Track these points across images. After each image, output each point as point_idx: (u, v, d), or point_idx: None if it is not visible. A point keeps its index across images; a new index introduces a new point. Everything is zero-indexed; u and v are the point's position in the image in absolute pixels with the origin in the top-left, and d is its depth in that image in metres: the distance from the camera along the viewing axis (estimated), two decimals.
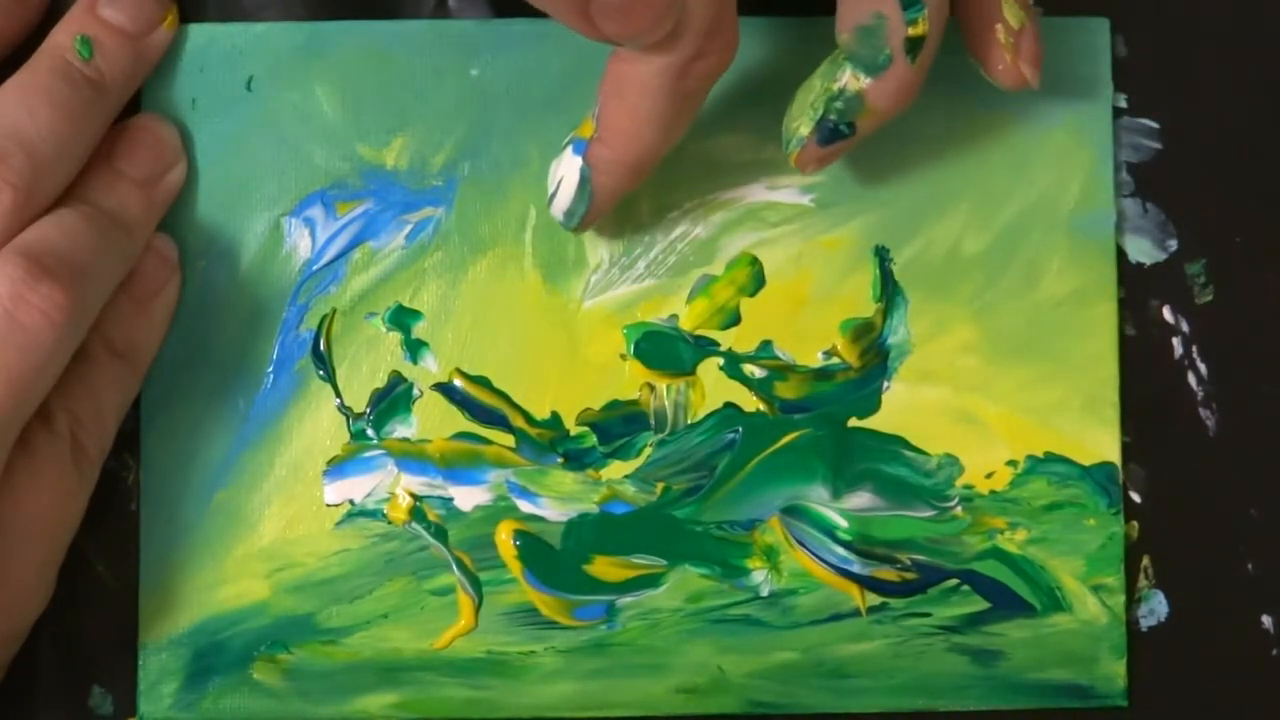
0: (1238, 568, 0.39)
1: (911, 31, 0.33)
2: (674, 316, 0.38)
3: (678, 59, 0.32)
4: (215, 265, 0.38)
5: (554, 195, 0.36)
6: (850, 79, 0.34)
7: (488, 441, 0.38)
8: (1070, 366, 0.38)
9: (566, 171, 0.35)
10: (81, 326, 0.34)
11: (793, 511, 0.38)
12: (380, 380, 0.38)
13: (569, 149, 0.35)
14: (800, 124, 0.35)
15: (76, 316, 0.33)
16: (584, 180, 0.35)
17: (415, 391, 0.38)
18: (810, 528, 0.38)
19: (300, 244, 0.38)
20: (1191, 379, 0.39)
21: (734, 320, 0.38)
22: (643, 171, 0.35)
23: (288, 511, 0.38)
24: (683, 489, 0.38)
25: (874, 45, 0.33)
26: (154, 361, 0.37)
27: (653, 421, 0.38)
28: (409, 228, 0.38)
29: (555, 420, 0.38)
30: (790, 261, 0.38)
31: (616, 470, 0.38)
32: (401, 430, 0.38)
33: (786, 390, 0.38)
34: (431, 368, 0.38)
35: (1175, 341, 0.39)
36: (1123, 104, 0.39)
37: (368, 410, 0.38)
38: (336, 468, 0.38)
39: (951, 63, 0.36)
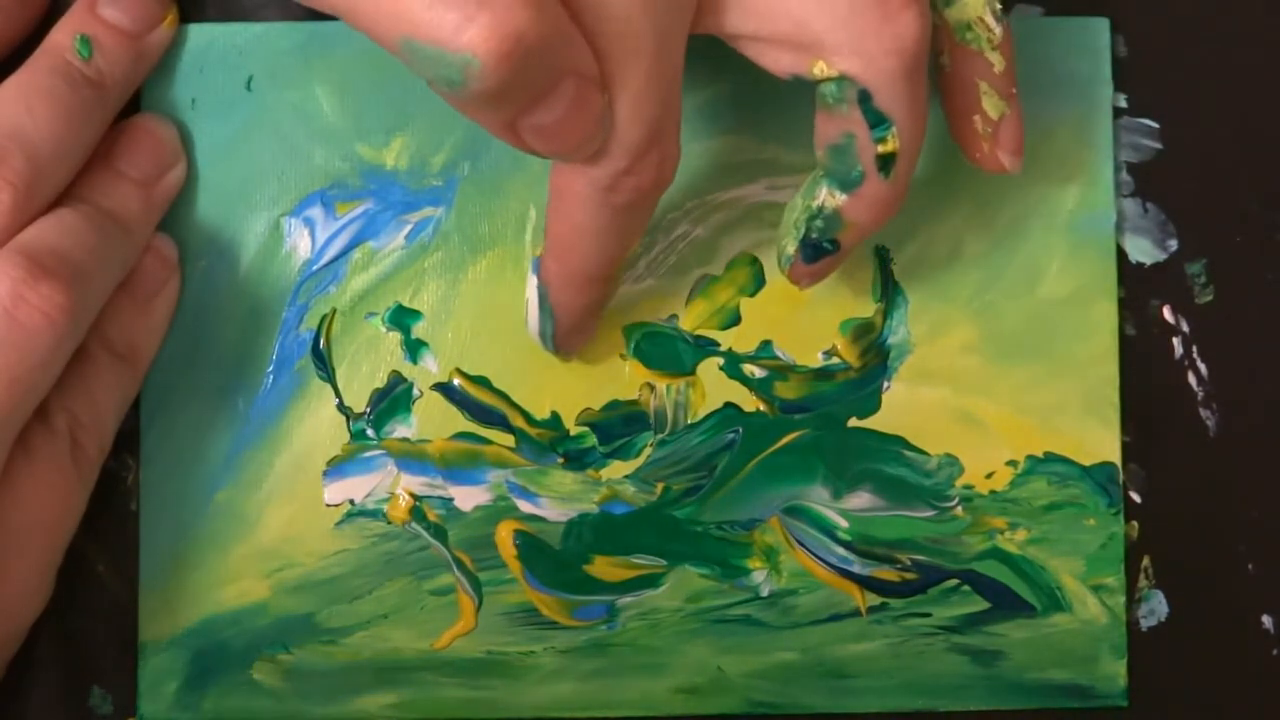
0: (1238, 568, 0.39)
1: (881, 149, 0.33)
2: (674, 316, 0.38)
3: (606, 173, 0.32)
4: (215, 265, 0.38)
5: (527, 317, 0.36)
6: (827, 196, 0.34)
7: (488, 441, 0.38)
8: (1070, 366, 0.38)
9: (529, 292, 0.36)
10: (81, 326, 0.34)
11: (793, 511, 0.38)
12: (380, 380, 0.38)
13: (530, 267, 0.36)
14: (787, 242, 0.35)
15: (76, 316, 0.33)
16: (542, 299, 0.35)
17: (415, 391, 0.38)
18: (810, 528, 0.38)
19: (300, 244, 0.38)
20: (1191, 379, 0.39)
21: (734, 320, 0.38)
22: (596, 283, 0.35)
23: (288, 511, 0.38)
24: (683, 489, 0.38)
25: (846, 163, 0.33)
26: (154, 361, 0.37)
27: (653, 421, 0.38)
28: (409, 228, 0.38)
29: (555, 420, 0.38)
30: None
31: (616, 470, 0.38)
32: (401, 430, 0.38)
33: (786, 390, 0.38)
34: (431, 368, 0.38)
35: (1175, 341, 0.39)
36: (1123, 104, 0.39)
37: (368, 410, 0.38)
38: (336, 468, 0.38)
39: None
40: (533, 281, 0.35)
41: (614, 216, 0.33)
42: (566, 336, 0.36)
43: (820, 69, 0.32)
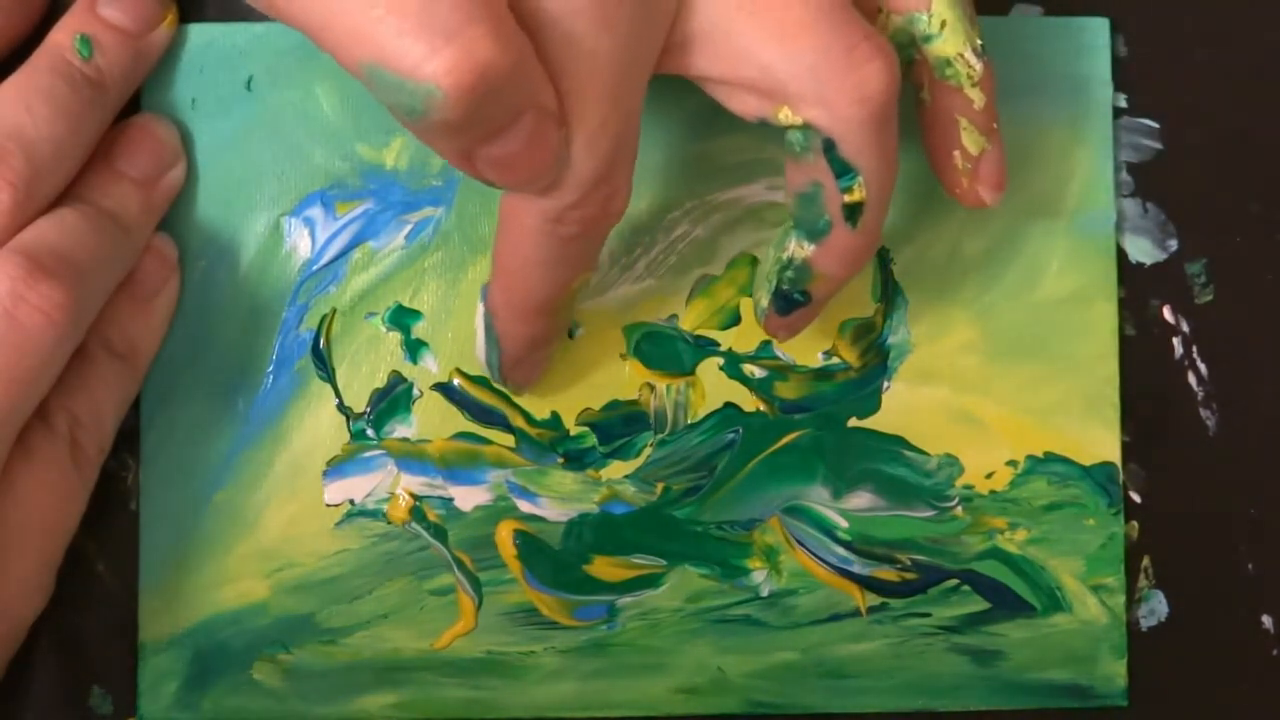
0: (1238, 568, 0.39)
1: (848, 199, 0.32)
2: (674, 316, 0.38)
3: (555, 205, 0.32)
4: (215, 265, 0.38)
5: (475, 346, 0.36)
6: (795, 247, 0.34)
7: (488, 441, 0.38)
8: (1070, 366, 0.38)
9: (477, 320, 0.36)
10: (80, 326, 0.34)
11: (793, 511, 0.38)
12: (380, 380, 0.38)
13: (480, 294, 0.36)
14: (760, 295, 0.35)
15: (75, 316, 0.33)
16: (489, 328, 0.35)
17: (415, 391, 0.38)
18: (810, 528, 0.38)
19: (300, 244, 0.38)
20: (1191, 379, 0.39)
21: (734, 320, 0.38)
22: (541, 315, 0.34)
23: (288, 511, 0.38)
24: (683, 489, 0.38)
25: (813, 212, 0.33)
26: (154, 361, 0.37)
27: (653, 421, 0.38)
28: (409, 228, 0.38)
29: (555, 420, 0.38)
30: None
31: (616, 470, 0.38)
32: (401, 430, 0.38)
33: (786, 390, 0.38)
34: (431, 368, 0.38)
35: (1175, 341, 0.39)
36: (1123, 104, 0.39)
37: (368, 410, 0.38)
38: (336, 468, 0.38)
39: None
40: (480, 309, 0.35)
41: (561, 248, 0.33)
42: (513, 368, 0.36)
43: (785, 115, 0.32)
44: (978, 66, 0.34)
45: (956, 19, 0.33)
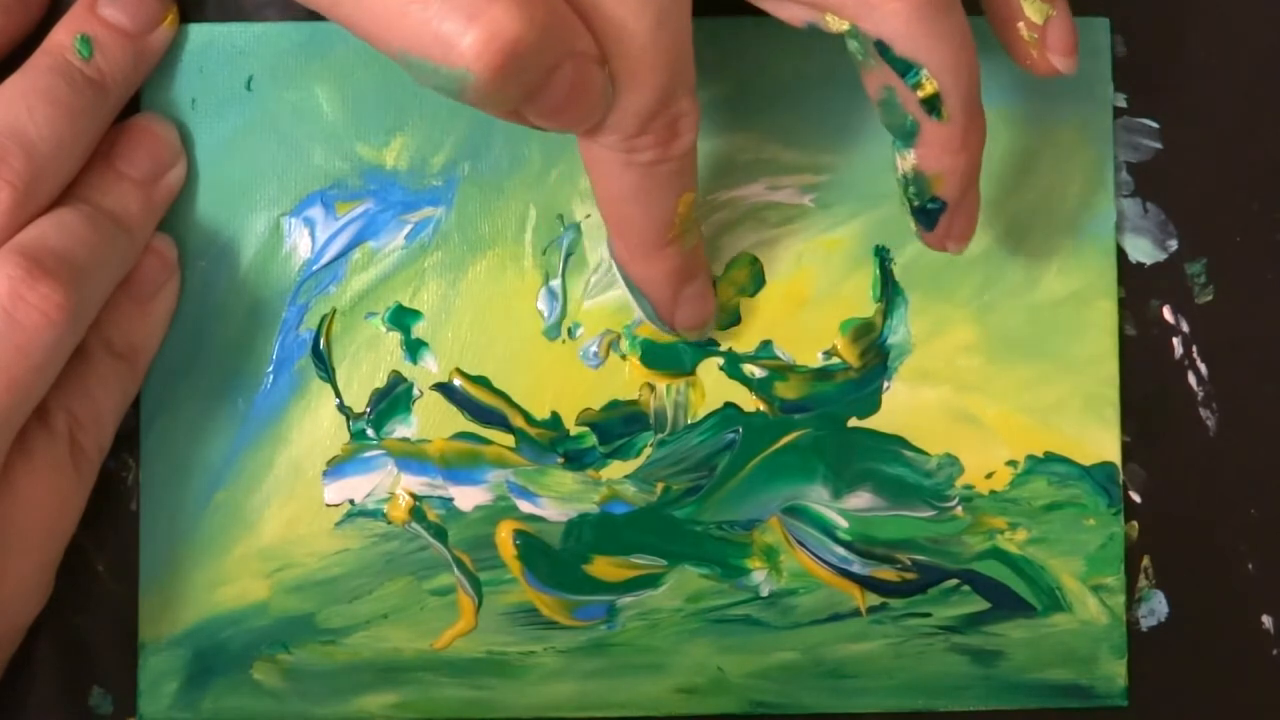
0: (1238, 568, 0.39)
1: (921, 94, 0.32)
2: None
3: (619, 138, 0.32)
4: (215, 265, 0.38)
5: (633, 307, 0.37)
6: (900, 159, 0.33)
7: (488, 441, 0.38)
8: (1070, 366, 0.38)
9: (618, 279, 0.36)
10: (80, 326, 0.34)
11: (793, 511, 0.38)
12: (380, 380, 0.38)
13: (608, 252, 0.36)
14: (909, 220, 0.35)
15: (75, 316, 0.33)
16: (628, 282, 0.36)
17: (415, 391, 0.38)
18: (810, 528, 0.38)
19: (300, 244, 0.38)
20: (1191, 379, 0.39)
21: (734, 320, 0.38)
22: (663, 246, 0.34)
23: (288, 511, 0.38)
24: (683, 489, 0.38)
25: (897, 116, 0.33)
26: (154, 361, 0.37)
27: (653, 421, 0.38)
28: (409, 228, 0.38)
29: (555, 420, 0.38)
30: (790, 261, 0.38)
31: (616, 470, 0.38)
32: (401, 430, 0.38)
33: (786, 390, 0.38)
34: (431, 368, 0.38)
35: (1175, 341, 0.39)
36: (1123, 104, 0.39)
37: (368, 410, 0.38)
38: (336, 468, 0.38)
39: None
40: (616, 269, 0.36)
41: (646, 176, 0.33)
42: (673, 313, 0.36)
43: (832, 20, 0.32)
44: None
45: None
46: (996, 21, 0.34)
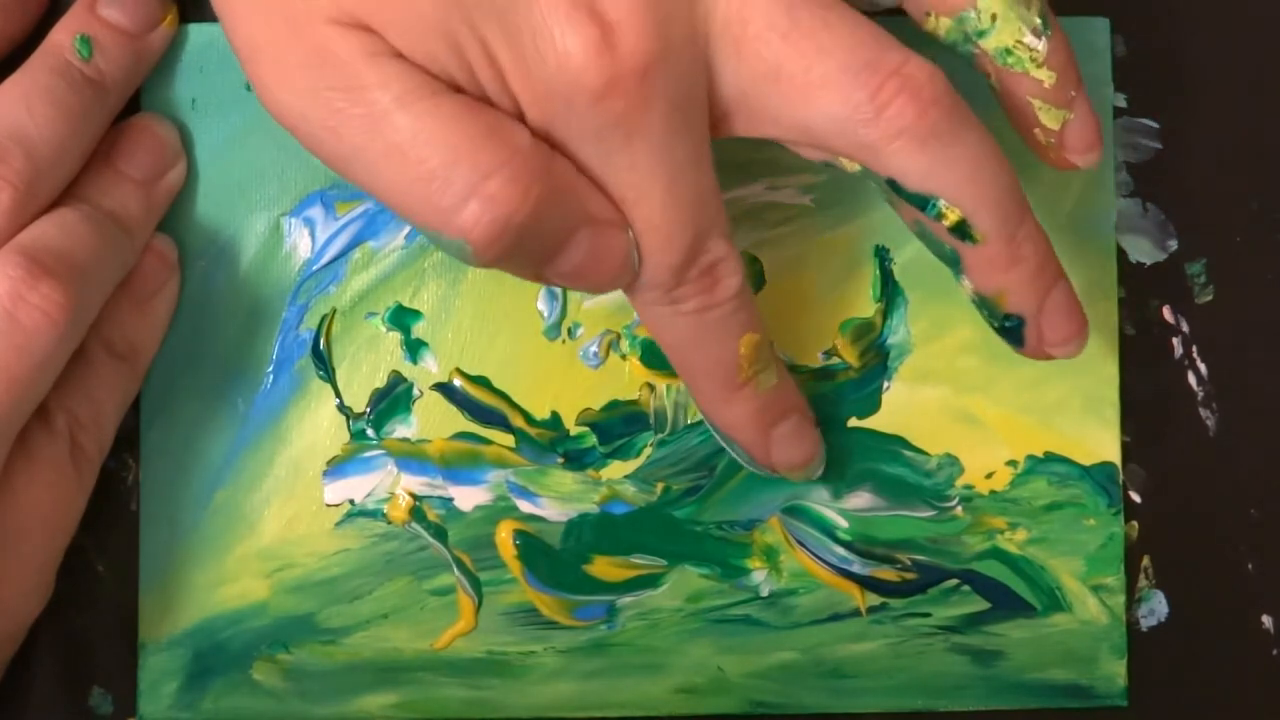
0: (1238, 568, 0.39)
1: (946, 224, 0.32)
2: None
3: (659, 294, 0.33)
4: (215, 265, 0.38)
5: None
6: (961, 287, 0.33)
7: (488, 441, 0.38)
8: (1070, 366, 0.38)
9: (717, 437, 0.37)
10: (80, 326, 0.34)
11: (793, 511, 0.38)
12: (380, 380, 0.38)
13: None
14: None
15: (75, 316, 0.33)
16: (720, 433, 0.36)
17: (415, 391, 0.38)
18: (810, 528, 0.38)
19: (300, 244, 0.38)
20: (1191, 379, 0.39)
21: None
22: (734, 389, 0.34)
23: (288, 511, 0.38)
24: (683, 489, 0.38)
25: (937, 247, 0.33)
26: (154, 361, 0.37)
27: (653, 421, 0.38)
28: (409, 227, 0.38)
29: (555, 420, 0.38)
30: (790, 261, 0.38)
31: (616, 470, 0.38)
32: (401, 430, 0.38)
33: None
34: (431, 368, 0.38)
35: (1175, 341, 0.39)
36: (1123, 104, 0.39)
37: (368, 410, 0.38)
38: (336, 468, 0.38)
39: (951, 63, 0.36)
40: (710, 427, 0.36)
41: (696, 325, 0.33)
42: (767, 456, 0.36)
43: (845, 162, 0.32)
44: (1040, 47, 0.33)
45: (1007, 8, 0.32)
46: (1016, 125, 0.34)
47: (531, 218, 0.30)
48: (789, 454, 0.36)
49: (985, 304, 0.33)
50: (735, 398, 0.35)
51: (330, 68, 0.30)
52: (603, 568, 0.38)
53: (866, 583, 0.38)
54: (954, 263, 0.33)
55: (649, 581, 0.38)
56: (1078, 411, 0.38)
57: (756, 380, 0.34)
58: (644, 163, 0.31)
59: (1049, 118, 0.33)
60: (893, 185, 0.32)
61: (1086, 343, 0.34)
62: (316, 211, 0.38)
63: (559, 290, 0.38)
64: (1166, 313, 0.39)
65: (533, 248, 0.31)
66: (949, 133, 0.31)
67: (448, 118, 0.30)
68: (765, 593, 0.38)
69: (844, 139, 0.31)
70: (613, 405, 0.38)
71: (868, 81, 0.31)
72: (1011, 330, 0.33)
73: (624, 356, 0.38)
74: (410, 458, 0.38)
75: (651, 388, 0.38)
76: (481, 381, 0.38)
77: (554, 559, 0.38)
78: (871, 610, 0.38)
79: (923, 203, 0.32)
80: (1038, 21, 0.33)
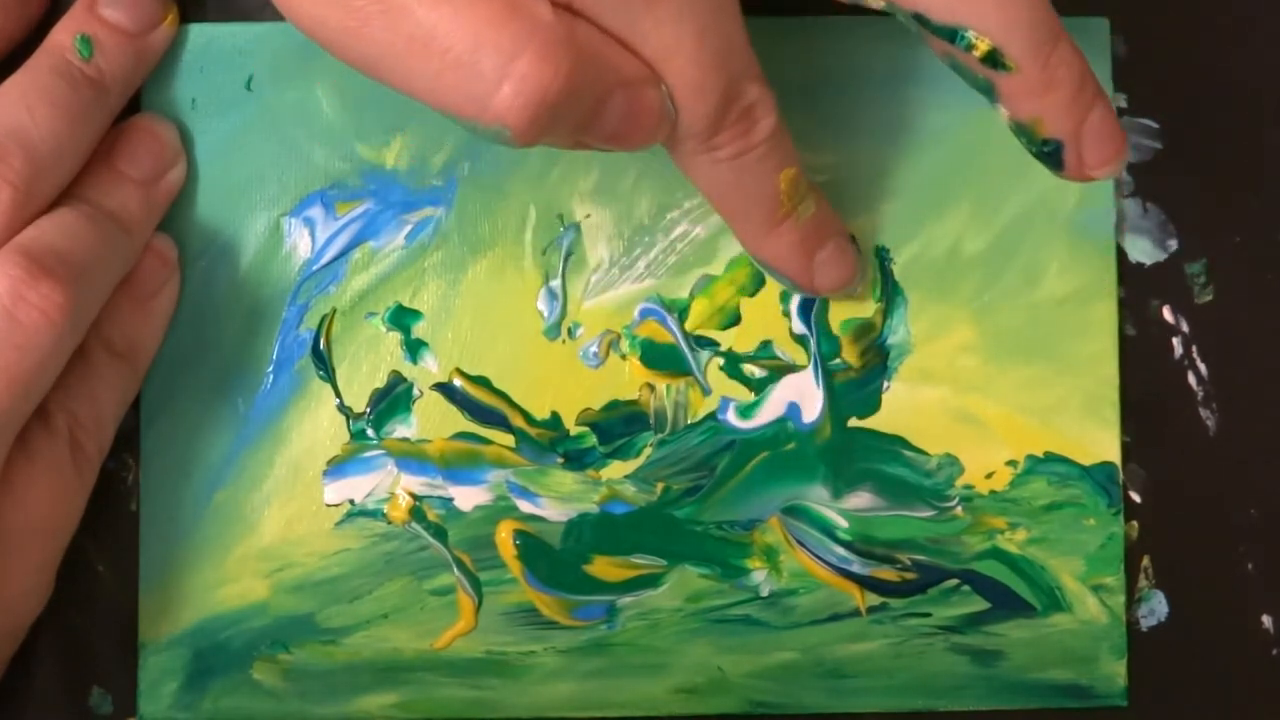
0: (1238, 568, 0.39)
1: (976, 54, 0.31)
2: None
3: (697, 143, 0.32)
4: (215, 265, 0.38)
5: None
6: (998, 114, 0.33)
7: (488, 441, 0.38)
8: (1070, 366, 0.38)
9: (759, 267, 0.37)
10: (80, 326, 0.34)
11: (793, 511, 0.38)
12: (380, 380, 0.38)
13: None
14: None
15: (75, 316, 0.33)
16: (763, 265, 0.36)
17: (415, 391, 0.38)
18: (810, 528, 0.38)
19: (300, 244, 0.38)
20: (1191, 379, 0.39)
21: (734, 320, 0.38)
22: (774, 224, 0.35)
23: (288, 511, 0.38)
24: (683, 489, 0.38)
25: (970, 78, 0.32)
26: (154, 361, 0.37)
27: (653, 421, 0.38)
28: (409, 227, 0.38)
29: (555, 420, 0.38)
30: None
31: (616, 470, 0.38)
32: (401, 430, 0.38)
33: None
34: (431, 368, 0.38)
35: (1175, 341, 0.39)
36: (1123, 104, 0.39)
37: (368, 410, 0.38)
38: (336, 468, 0.38)
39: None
40: (751, 259, 0.36)
41: (736, 169, 0.33)
42: (811, 281, 0.36)
43: (871, 0, 0.32)
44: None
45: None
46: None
47: (564, 92, 0.29)
48: (831, 277, 0.36)
49: (1022, 130, 0.33)
50: (778, 231, 0.35)
51: None
52: (603, 568, 0.38)
53: (866, 583, 0.38)
54: (989, 92, 0.32)
55: (649, 581, 0.38)
56: (1078, 411, 0.38)
57: (796, 212, 0.35)
58: (670, 20, 0.31)
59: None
60: (920, 20, 0.31)
61: (1127, 160, 0.33)
62: (316, 211, 0.38)
63: (559, 290, 0.38)
64: (1166, 313, 0.39)
65: (569, 119, 0.30)
66: None
67: (465, 2, 0.29)
68: (765, 593, 0.38)
69: None
70: (613, 405, 0.38)
71: None
72: (1050, 154, 0.33)
73: (624, 356, 0.38)
74: (410, 458, 0.38)
75: (651, 388, 0.38)
76: (481, 381, 0.38)
77: (554, 559, 0.38)
78: (871, 610, 0.38)
79: (952, 34, 0.31)
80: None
